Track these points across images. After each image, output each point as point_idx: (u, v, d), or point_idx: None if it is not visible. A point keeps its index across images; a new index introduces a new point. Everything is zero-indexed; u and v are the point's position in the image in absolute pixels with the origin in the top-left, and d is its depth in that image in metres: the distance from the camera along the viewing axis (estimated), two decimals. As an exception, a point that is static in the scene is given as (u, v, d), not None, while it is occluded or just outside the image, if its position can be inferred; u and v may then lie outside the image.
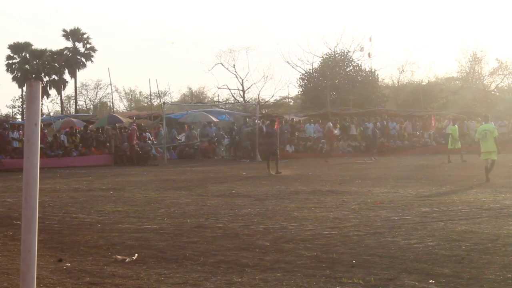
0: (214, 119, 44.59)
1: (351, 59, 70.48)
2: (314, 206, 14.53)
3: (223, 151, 42.62)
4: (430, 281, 7.24)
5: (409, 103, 67.45)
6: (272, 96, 76.54)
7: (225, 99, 76.67)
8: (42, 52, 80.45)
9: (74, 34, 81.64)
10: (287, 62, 73.17)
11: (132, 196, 17.59)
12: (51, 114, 71.67)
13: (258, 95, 74.67)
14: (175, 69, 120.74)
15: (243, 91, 75.42)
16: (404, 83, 77.36)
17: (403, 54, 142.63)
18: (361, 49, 69.50)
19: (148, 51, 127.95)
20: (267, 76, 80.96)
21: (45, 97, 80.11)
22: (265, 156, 25.41)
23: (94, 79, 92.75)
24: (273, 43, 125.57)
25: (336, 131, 43.69)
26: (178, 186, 20.70)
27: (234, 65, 74.71)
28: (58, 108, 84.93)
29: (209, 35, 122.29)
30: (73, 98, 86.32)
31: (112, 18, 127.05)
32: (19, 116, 76.38)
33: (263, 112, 56.98)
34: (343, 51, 70.03)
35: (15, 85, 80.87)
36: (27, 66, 79.47)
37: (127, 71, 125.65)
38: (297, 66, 72.15)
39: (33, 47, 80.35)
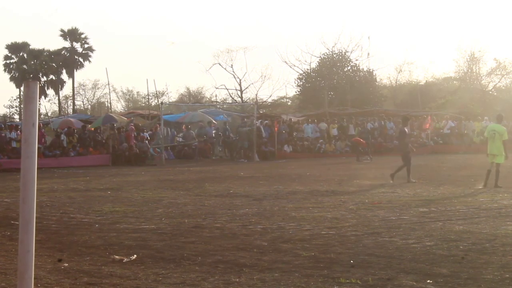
0: (212, 120, 44.62)
1: (348, 59, 70.58)
2: (312, 206, 14.54)
3: (220, 151, 42.62)
4: (428, 281, 7.24)
5: (407, 103, 67.51)
6: (270, 96, 76.77)
7: (223, 99, 76.78)
8: (40, 52, 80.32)
9: (72, 34, 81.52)
10: (285, 62, 73.37)
11: (130, 196, 17.58)
12: (49, 114, 71.76)
13: (256, 95, 74.84)
14: (173, 69, 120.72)
15: (241, 91, 75.57)
16: (402, 83, 77.49)
17: (402, 54, 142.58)
18: (361, 49, 69.64)
19: (146, 51, 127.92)
20: (265, 76, 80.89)
21: (42, 97, 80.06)
22: (407, 160, 21.73)
23: (92, 79, 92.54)
24: (271, 43, 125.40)
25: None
26: (176, 186, 20.68)
27: (232, 65, 74.85)
28: (56, 108, 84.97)
29: (207, 35, 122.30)
30: (71, 98, 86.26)
31: (110, 18, 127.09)
32: (17, 116, 76.33)
33: (261, 112, 57.00)
34: (341, 51, 70.15)
35: (12, 85, 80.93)
36: (24, 66, 79.31)
37: (125, 71, 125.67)
38: (295, 66, 72.32)
39: (31, 47, 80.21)
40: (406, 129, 23.02)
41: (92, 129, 39.79)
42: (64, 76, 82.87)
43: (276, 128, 40.99)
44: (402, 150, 22.15)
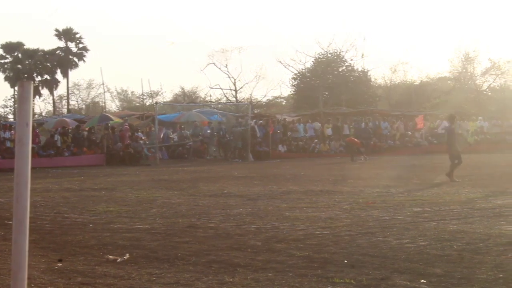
0: (207, 120, 44.64)
1: (343, 59, 70.65)
2: (306, 206, 14.54)
3: (215, 151, 42.63)
4: (422, 280, 7.25)
5: (401, 103, 67.61)
6: (265, 96, 76.86)
7: (217, 99, 76.79)
8: (34, 51, 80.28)
9: (67, 34, 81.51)
10: (280, 62, 73.42)
11: (124, 196, 17.57)
12: (43, 114, 71.60)
13: (251, 95, 74.92)
14: (167, 69, 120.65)
15: (236, 91, 75.65)
16: (397, 83, 77.63)
17: (399, 54, 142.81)
18: (356, 49, 69.76)
19: (140, 51, 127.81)
20: (260, 76, 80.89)
21: (37, 97, 79.96)
22: (457, 158, 21.29)
23: (86, 79, 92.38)
24: (266, 43, 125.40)
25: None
26: (170, 186, 20.68)
27: (226, 65, 74.87)
28: (50, 108, 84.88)
29: (201, 35, 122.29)
30: (65, 98, 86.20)
31: (105, 18, 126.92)
32: (11, 116, 76.24)
33: (256, 112, 57.06)
34: (336, 51, 70.22)
35: (7, 85, 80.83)
36: (19, 66, 79.25)
37: (119, 71, 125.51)
38: (289, 66, 72.38)
39: (25, 47, 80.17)
40: (454, 127, 22.84)
41: (87, 129, 39.77)
42: (59, 76, 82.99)
43: (271, 130, 41.01)
44: (450, 148, 21.88)
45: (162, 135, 40.94)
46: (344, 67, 70.91)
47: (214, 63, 74.64)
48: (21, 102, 4.42)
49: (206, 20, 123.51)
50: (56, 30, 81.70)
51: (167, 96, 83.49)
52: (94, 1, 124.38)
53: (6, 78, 79.55)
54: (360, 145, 37.88)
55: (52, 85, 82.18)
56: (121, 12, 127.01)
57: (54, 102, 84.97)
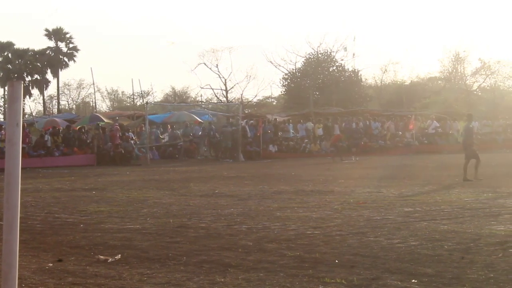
0: (198, 120, 44.61)
1: (334, 59, 70.73)
2: (297, 206, 14.54)
3: (206, 151, 42.59)
4: (413, 280, 7.26)
5: (392, 103, 67.71)
6: (255, 96, 76.80)
7: (208, 99, 76.76)
8: (25, 51, 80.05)
9: (57, 34, 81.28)
10: (270, 62, 73.48)
11: (115, 196, 17.54)
12: (34, 114, 71.41)
13: (241, 95, 74.84)
14: (158, 69, 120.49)
15: (226, 91, 75.54)
16: (387, 83, 77.76)
17: (394, 54, 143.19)
18: (345, 49, 69.84)
19: (131, 51, 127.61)
20: (250, 76, 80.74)
21: (27, 96, 79.76)
22: (475, 157, 21.25)
23: (77, 78, 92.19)
24: (256, 43, 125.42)
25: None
26: (161, 186, 20.66)
27: (217, 65, 74.79)
28: (41, 108, 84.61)
29: (192, 34, 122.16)
30: (56, 98, 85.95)
31: (95, 17, 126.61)
32: (1, 116, 76.02)
33: (246, 112, 57.04)
34: (326, 51, 70.27)
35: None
36: (9, 66, 79.01)
37: (110, 71, 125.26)
38: (280, 66, 72.41)
39: (15, 47, 79.94)
40: (472, 127, 22.90)
41: (77, 128, 39.66)
42: (49, 75, 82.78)
43: (259, 132, 40.93)
44: (467, 147, 21.80)
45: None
46: (334, 67, 71.00)
47: (204, 63, 74.58)
48: (11, 102, 4.41)
49: (196, 20, 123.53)
50: (46, 30, 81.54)
51: (157, 96, 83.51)
52: (84, 1, 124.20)
53: (-4, 78, 79.33)
54: (343, 138, 38.05)
55: (42, 85, 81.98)
56: (111, 12, 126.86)
57: (44, 102, 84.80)
